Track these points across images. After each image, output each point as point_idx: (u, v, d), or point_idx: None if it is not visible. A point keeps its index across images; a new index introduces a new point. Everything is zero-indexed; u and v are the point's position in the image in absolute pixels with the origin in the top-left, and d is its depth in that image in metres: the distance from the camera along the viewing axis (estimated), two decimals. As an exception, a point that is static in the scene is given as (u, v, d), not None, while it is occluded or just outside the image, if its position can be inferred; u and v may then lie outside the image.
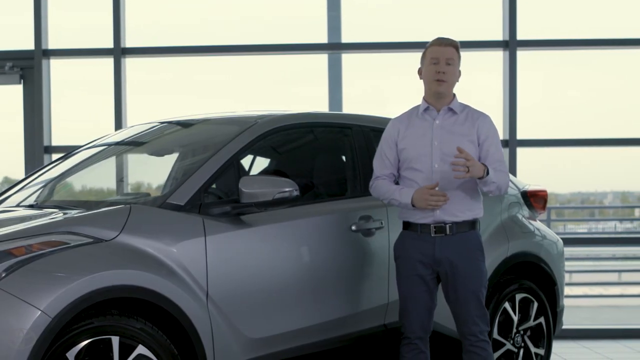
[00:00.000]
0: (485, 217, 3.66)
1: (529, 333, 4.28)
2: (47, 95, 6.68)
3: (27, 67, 6.58)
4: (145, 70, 7.26)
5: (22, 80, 6.61)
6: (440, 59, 3.39)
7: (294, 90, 7.75)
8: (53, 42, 6.74)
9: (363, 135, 4.00)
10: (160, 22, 7.44)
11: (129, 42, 6.71)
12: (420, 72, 3.52)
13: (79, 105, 7.32)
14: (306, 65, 7.58)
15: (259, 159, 4.27)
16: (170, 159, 4.22)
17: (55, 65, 6.79)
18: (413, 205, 3.34)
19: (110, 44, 6.59)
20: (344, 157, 4.08)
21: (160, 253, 3.17)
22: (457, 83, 3.48)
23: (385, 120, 4.07)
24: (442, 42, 3.45)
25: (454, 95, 3.51)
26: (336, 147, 4.15)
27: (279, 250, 3.52)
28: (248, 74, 7.59)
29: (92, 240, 3.07)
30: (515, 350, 4.19)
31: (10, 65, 6.53)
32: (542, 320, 4.34)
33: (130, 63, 6.79)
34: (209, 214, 3.32)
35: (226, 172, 3.49)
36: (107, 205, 3.41)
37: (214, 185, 3.50)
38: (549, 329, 4.38)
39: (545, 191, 4.69)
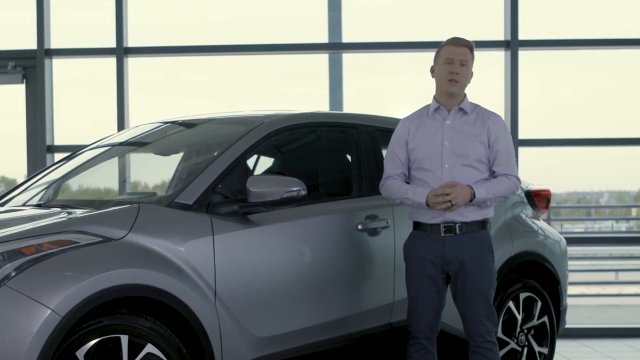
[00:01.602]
0: None
1: (532, 332, 4.31)
2: (50, 95, 6.72)
3: (29, 67, 6.62)
4: (146, 70, 7.27)
5: (24, 80, 6.64)
6: (454, 60, 3.39)
7: (295, 90, 7.79)
8: (55, 41, 6.77)
9: (369, 135, 4.02)
10: (162, 21, 7.46)
11: (131, 41, 6.73)
12: (432, 70, 3.52)
13: (82, 105, 7.33)
14: (307, 65, 7.60)
15: (262, 158, 4.28)
16: (175, 159, 4.24)
17: (58, 65, 6.83)
18: (427, 205, 3.35)
19: (112, 44, 6.62)
20: (349, 157, 4.10)
21: (168, 252, 3.18)
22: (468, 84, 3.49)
23: (390, 120, 4.11)
24: (458, 43, 3.44)
25: (465, 95, 3.50)
26: (342, 147, 4.17)
27: (286, 249, 3.54)
28: (249, 73, 7.61)
29: (101, 239, 3.08)
30: (519, 349, 4.22)
31: (12, 65, 6.57)
32: (545, 319, 4.37)
33: (132, 63, 6.81)
34: (216, 213, 3.34)
35: (233, 172, 3.50)
36: (115, 205, 3.43)
37: (220, 185, 3.50)
38: (552, 328, 4.41)
39: (548, 190, 4.71)
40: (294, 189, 3.34)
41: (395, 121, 3.81)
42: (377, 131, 4.07)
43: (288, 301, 3.51)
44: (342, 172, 4.13)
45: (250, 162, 4.08)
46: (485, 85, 7.09)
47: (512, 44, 6.52)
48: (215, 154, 3.61)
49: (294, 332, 3.50)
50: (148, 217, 3.23)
